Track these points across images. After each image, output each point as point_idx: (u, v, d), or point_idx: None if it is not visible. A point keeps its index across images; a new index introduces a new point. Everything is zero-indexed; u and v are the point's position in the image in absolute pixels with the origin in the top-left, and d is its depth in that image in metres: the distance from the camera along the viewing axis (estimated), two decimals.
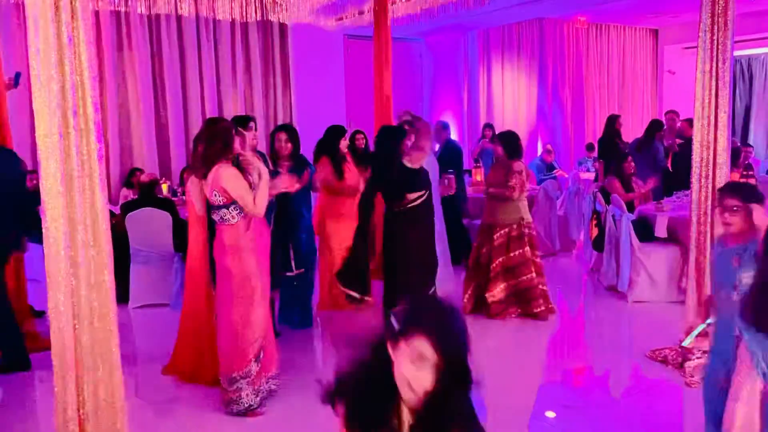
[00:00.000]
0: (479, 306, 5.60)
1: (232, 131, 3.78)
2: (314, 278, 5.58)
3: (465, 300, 5.61)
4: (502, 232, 5.46)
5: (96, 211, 2.28)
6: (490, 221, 5.56)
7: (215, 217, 3.77)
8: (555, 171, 10.16)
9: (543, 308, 5.46)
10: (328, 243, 5.69)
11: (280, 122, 9.67)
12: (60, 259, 2.18)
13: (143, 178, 6.65)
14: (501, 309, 5.48)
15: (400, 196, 4.63)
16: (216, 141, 3.72)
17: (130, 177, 8.15)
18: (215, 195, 3.68)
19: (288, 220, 5.19)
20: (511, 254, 5.43)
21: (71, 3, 2.12)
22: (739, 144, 9.36)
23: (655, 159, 7.92)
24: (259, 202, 3.71)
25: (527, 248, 5.45)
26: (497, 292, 5.47)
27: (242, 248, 3.73)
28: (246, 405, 3.76)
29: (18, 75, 4.93)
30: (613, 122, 8.85)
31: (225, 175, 3.65)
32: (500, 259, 5.44)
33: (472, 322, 5.23)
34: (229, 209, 3.69)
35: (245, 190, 3.69)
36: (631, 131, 11.81)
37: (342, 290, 4.69)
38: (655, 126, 8.14)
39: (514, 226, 5.45)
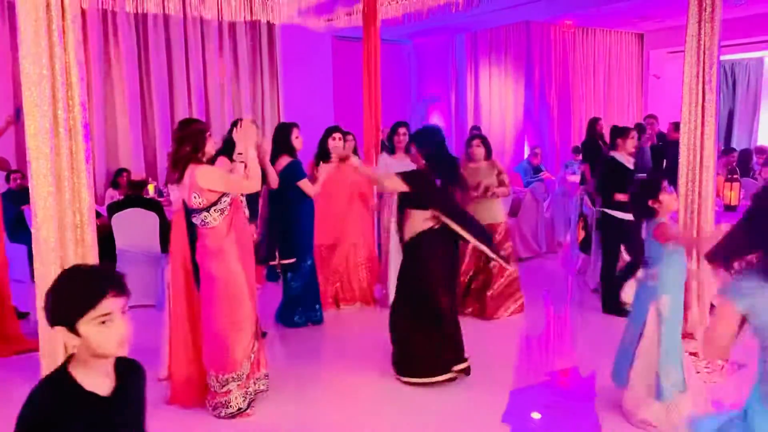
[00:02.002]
0: (462, 307, 5.64)
1: (206, 134, 3.70)
2: (315, 276, 5.56)
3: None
4: (499, 228, 5.66)
5: (84, 212, 2.26)
6: (484, 222, 5.58)
7: (195, 220, 3.69)
8: (542, 173, 10.21)
9: (522, 299, 5.80)
10: (317, 242, 5.73)
11: (267, 122, 9.66)
12: (50, 259, 2.16)
13: (134, 178, 6.61)
14: (498, 306, 5.61)
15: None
16: (185, 144, 3.63)
17: (116, 177, 8.10)
18: (194, 197, 3.61)
19: (284, 212, 5.19)
20: (504, 247, 5.66)
21: (61, 3, 2.10)
22: (751, 148, 9.43)
23: (642, 160, 8.00)
24: (252, 174, 3.64)
25: (510, 242, 5.82)
26: (498, 285, 5.62)
27: (225, 251, 3.68)
28: (235, 408, 3.74)
29: (18, 110, 4.92)
30: (594, 125, 8.91)
31: (200, 173, 3.58)
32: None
33: (461, 324, 5.27)
34: (210, 212, 3.63)
35: (228, 175, 3.64)
36: None
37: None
38: (640, 130, 8.23)
39: (503, 224, 5.71)
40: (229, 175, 3.66)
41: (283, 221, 5.20)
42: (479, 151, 5.69)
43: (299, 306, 5.43)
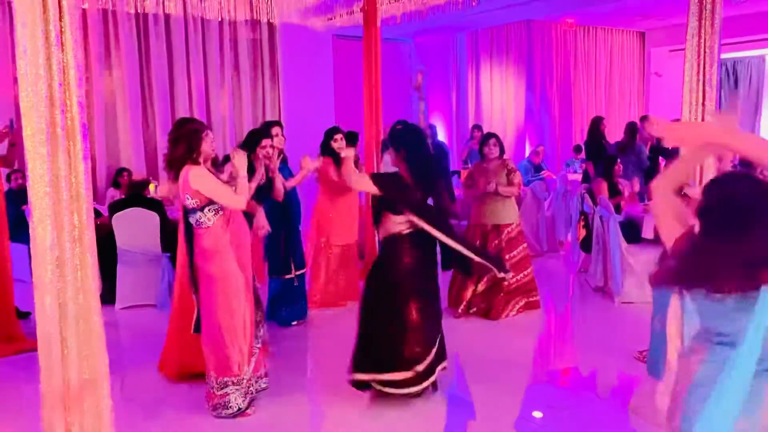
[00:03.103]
0: (468, 308, 5.64)
1: (202, 133, 3.68)
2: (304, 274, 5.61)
3: (461, 308, 5.60)
4: (509, 228, 5.63)
5: (82, 212, 2.25)
6: (494, 222, 5.61)
7: (191, 220, 3.70)
8: (543, 172, 10.20)
9: (538, 296, 5.80)
10: (328, 241, 5.80)
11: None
12: (47, 260, 2.16)
13: (135, 178, 6.62)
14: (504, 303, 5.58)
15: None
16: (180, 144, 3.63)
17: (117, 177, 8.10)
18: (188, 198, 3.62)
19: (286, 220, 5.21)
20: (518, 249, 5.66)
21: (59, 1, 2.10)
22: None
23: (639, 159, 7.99)
24: (240, 192, 3.65)
25: (525, 244, 5.78)
26: (507, 286, 5.59)
27: (222, 251, 3.67)
28: (235, 409, 3.73)
29: (12, 121, 4.97)
30: (597, 124, 8.92)
31: (193, 175, 3.58)
32: (511, 254, 5.60)
33: (464, 324, 5.27)
34: (204, 212, 3.62)
35: (218, 184, 3.63)
36: (618, 133, 11.89)
37: None
38: (634, 128, 8.25)
39: (515, 225, 5.68)
40: (220, 184, 3.65)
41: (272, 219, 5.21)
42: (495, 151, 5.70)
43: (285, 301, 5.44)
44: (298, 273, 5.39)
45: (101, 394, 2.37)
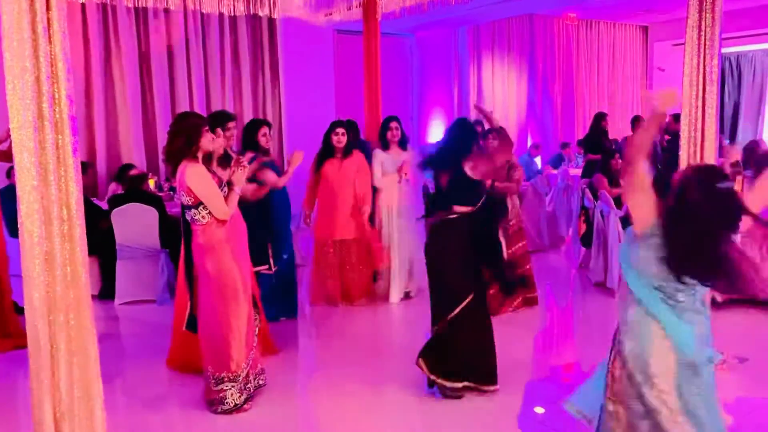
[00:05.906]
0: None
1: (201, 129, 3.63)
2: (295, 270, 5.55)
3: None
4: (508, 225, 5.56)
5: (71, 206, 2.23)
6: None
7: (187, 216, 3.69)
8: (543, 167, 10.16)
9: (536, 293, 5.73)
10: (320, 238, 5.75)
11: (269, 116, 9.62)
12: (35, 254, 2.14)
13: (132, 173, 6.59)
14: (502, 298, 5.49)
15: (445, 206, 3.92)
16: (178, 138, 3.59)
17: (121, 172, 8.04)
18: (183, 195, 3.60)
19: (267, 216, 5.17)
20: (519, 245, 5.59)
21: None
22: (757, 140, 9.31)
23: (655, 153, 7.93)
24: (231, 205, 3.65)
25: (525, 241, 5.71)
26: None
27: (217, 247, 3.65)
28: (231, 405, 3.72)
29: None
30: (599, 120, 8.86)
31: (190, 173, 3.55)
32: (510, 251, 5.51)
33: None
34: (199, 209, 3.60)
35: (212, 190, 3.58)
36: (621, 128, 11.84)
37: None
38: (640, 120, 8.20)
39: (514, 221, 5.62)
40: (214, 189, 3.61)
41: (256, 218, 5.16)
42: (494, 145, 5.66)
43: (276, 300, 5.36)
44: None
45: (91, 391, 2.35)
